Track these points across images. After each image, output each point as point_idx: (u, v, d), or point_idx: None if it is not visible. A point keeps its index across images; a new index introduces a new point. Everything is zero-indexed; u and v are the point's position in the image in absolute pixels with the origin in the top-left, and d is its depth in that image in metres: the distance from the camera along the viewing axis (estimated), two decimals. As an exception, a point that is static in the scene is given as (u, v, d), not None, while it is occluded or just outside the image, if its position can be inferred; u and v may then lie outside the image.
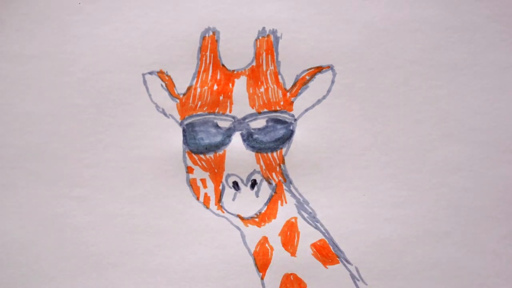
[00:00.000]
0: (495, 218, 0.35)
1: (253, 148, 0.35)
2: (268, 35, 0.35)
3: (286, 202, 0.35)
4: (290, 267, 0.35)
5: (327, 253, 0.35)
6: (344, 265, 0.35)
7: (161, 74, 0.35)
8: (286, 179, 0.35)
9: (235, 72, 0.35)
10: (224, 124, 0.35)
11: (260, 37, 0.35)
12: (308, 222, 0.35)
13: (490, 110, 0.35)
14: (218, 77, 0.35)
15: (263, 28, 0.35)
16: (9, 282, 0.35)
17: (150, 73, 0.35)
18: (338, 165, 0.35)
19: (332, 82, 0.35)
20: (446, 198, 0.35)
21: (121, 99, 0.35)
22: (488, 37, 0.35)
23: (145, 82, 0.35)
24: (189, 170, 0.35)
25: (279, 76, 0.35)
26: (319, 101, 0.35)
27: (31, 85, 0.35)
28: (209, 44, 0.35)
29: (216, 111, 0.35)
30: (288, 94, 0.35)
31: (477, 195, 0.35)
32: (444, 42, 0.35)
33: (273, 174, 0.35)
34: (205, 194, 0.35)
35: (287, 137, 0.35)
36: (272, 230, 0.35)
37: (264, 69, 0.35)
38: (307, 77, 0.35)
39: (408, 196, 0.35)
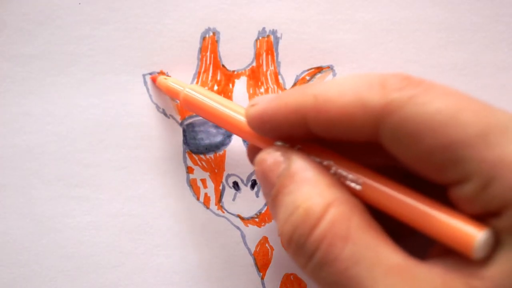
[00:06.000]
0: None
1: (253, 148, 0.35)
2: (268, 35, 0.35)
3: (286, 202, 0.35)
4: (290, 267, 0.35)
5: (327, 253, 0.35)
6: (344, 265, 0.35)
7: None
8: (286, 179, 0.35)
9: (235, 72, 0.35)
10: (224, 124, 0.35)
11: (260, 38, 0.35)
12: (308, 222, 0.35)
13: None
14: (218, 77, 0.35)
15: (263, 28, 0.35)
16: (9, 282, 0.35)
17: (151, 73, 0.35)
18: (338, 165, 0.35)
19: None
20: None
21: (121, 99, 0.35)
22: (488, 37, 0.35)
23: (145, 82, 0.35)
24: (189, 170, 0.35)
25: (279, 77, 0.35)
26: (319, 101, 0.35)
27: (31, 85, 0.35)
28: (209, 44, 0.35)
29: (216, 111, 0.35)
30: (288, 94, 0.35)
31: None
32: (444, 42, 0.35)
33: (273, 174, 0.35)
34: (205, 194, 0.35)
35: (287, 137, 0.35)
36: (272, 230, 0.36)
37: (264, 69, 0.35)
38: (307, 77, 0.35)
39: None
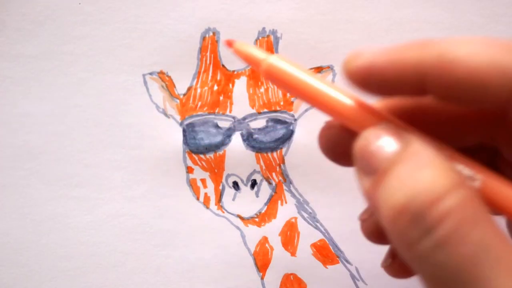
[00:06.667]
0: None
1: (253, 148, 0.35)
2: (268, 36, 0.35)
3: (286, 202, 0.35)
4: (290, 267, 0.35)
5: (327, 253, 0.35)
6: (344, 265, 0.35)
7: (161, 74, 0.35)
8: (286, 179, 0.35)
9: (235, 72, 0.35)
10: (224, 124, 0.35)
11: (260, 38, 0.35)
12: (308, 222, 0.35)
13: (490, 110, 0.35)
14: (218, 77, 0.35)
15: (263, 28, 0.35)
16: (9, 282, 0.35)
17: (151, 73, 0.35)
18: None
19: (332, 82, 0.35)
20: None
21: (121, 99, 0.35)
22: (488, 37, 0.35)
23: (145, 82, 0.35)
24: (189, 170, 0.35)
25: (279, 76, 0.35)
26: (319, 101, 0.35)
27: (31, 85, 0.35)
28: (209, 44, 0.35)
29: (216, 111, 0.35)
30: (288, 94, 0.35)
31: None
32: (444, 42, 0.35)
33: (273, 174, 0.35)
34: (205, 194, 0.35)
35: (287, 137, 0.35)
36: (272, 230, 0.36)
37: (264, 69, 0.35)
38: (307, 77, 0.35)
39: (408, 196, 0.35)
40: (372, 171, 0.21)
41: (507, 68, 0.20)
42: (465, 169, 0.21)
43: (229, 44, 0.27)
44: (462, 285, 0.18)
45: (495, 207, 0.21)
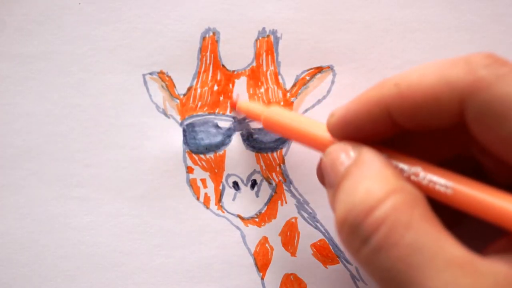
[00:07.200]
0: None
1: (253, 148, 0.35)
2: (268, 35, 0.35)
3: (286, 202, 0.35)
4: (290, 267, 0.35)
5: (327, 253, 0.35)
6: (344, 265, 0.35)
7: (161, 74, 0.35)
8: (286, 179, 0.35)
9: (235, 72, 0.35)
10: (224, 124, 0.35)
11: (260, 38, 0.35)
12: (308, 222, 0.35)
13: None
14: (218, 77, 0.35)
15: (263, 28, 0.35)
16: (9, 282, 0.35)
17: (151, 73, 0.35)
18: (338, 165, 0.35)
19: (332, 82, 0.35)
20: (446, 198, 0.35)
21: (121, 99, 0.35)
22: (488, 37, 0.35)
23: (145, 82, 0.35)
24: (189, 170, 0.35)
25: (279, 76, 0.35)
26: (319, 101, 0.35)
27: (31, 85, 0.35)
28: (209, 44, 0.35)
29: (216, 111, 0.35)
30: (288, 94, 0.35)
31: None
32: (444, 42, 0.35)
33: (273, 174, 0.35)
34: (205, 194, 0.35)
35: (287, 137, 0.35)
36: (272, 230, 0.36)
37: (264, 69, 0.35)
38: (307, 77, 0.35)
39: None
40: (333, 183, 0.24)
41: (452, 79, 0.21)
42: (440, 180, 0.22)
43: (233, 105, 0.35)
44: (401, 285, 0.20)
45: (468, 211, 0.22)
